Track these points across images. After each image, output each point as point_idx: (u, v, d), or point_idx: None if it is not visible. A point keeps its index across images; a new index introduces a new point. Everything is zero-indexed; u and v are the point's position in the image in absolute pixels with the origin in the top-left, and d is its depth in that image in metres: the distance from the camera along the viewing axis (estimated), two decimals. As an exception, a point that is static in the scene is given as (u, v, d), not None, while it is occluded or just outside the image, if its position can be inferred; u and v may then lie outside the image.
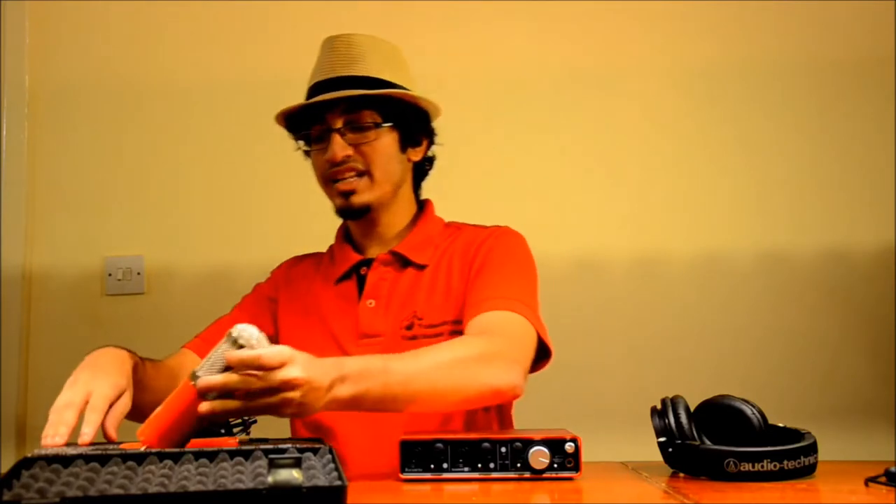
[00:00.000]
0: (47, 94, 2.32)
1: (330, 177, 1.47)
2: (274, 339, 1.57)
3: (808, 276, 2.26)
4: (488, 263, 1.47)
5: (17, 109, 2.30)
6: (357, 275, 1.55)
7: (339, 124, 1.45)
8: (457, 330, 1.44)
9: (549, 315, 1.44)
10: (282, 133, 1.55)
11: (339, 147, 1.44)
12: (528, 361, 1.36)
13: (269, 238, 2.22)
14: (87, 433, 1.20)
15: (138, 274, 2.27)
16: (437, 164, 1.52)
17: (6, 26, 2.29)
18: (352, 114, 1.45)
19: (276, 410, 1.09)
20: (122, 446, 1.15)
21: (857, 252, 2.26)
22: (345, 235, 1.60)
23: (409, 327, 1.48)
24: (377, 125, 1.46)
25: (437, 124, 1.58)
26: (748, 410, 1.20)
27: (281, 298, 1.60)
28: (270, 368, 1.06)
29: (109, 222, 2.30)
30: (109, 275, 2.28)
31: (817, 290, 2.26)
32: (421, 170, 1.60)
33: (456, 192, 2.25)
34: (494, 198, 2.27)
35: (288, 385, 1.07)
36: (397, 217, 1.55)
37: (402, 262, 1.52)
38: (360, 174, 1.47)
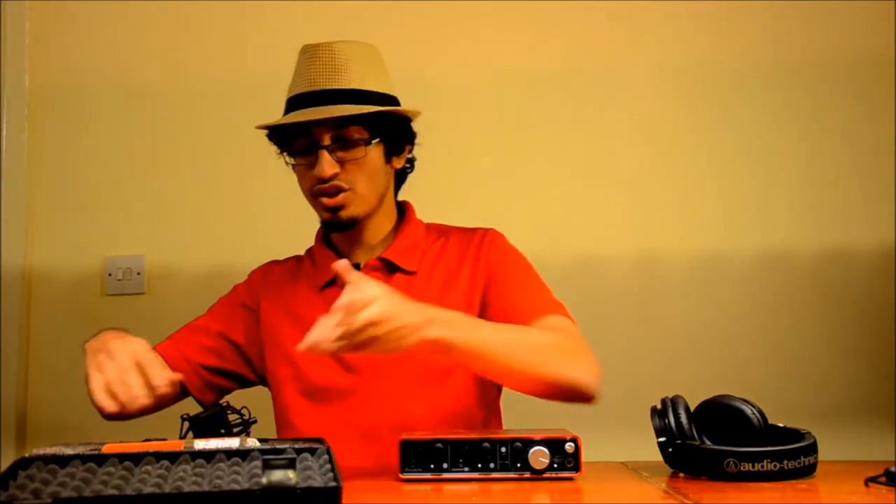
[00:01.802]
0: (47, 94, 2.31)
1: (317, 192, 1.46)
2: (241, 346, 1.57)
3: (808, 276, 2.25)
4: (509, 272, 1.50)
5: (17, 109, 2.29)
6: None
7: (326, 140, 1.43)
8: None
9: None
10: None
11: (328, 165, 1.42)
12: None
13: (270, 238, 2.21)
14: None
15: (138, 274, 2.27)
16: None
17: (6, 26, 2.29)
18: (339, 129, 1.43)
19: (366, 349, 1.15)
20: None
21: (857, 252, 2.26)
22: (325, 240, 1.59)
23: None
24: (366, 142, 1.44)
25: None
26: (748, 410, 1.20)
27: (262, 306, 1.57)
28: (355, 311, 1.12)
29: (109, 222, 2.30)
30: (109, 275, 2.27)
31: (817, 290, 2.25)
32: (402, 173, 1.59)
33: (457, 193, 2.27)
34: (494, 198, 2.25)
35: (371, 323, 1.13)
36: (381, 223, 1.54)
37: (391, 268, 1.51)
38: (348, 189, 1.45)
